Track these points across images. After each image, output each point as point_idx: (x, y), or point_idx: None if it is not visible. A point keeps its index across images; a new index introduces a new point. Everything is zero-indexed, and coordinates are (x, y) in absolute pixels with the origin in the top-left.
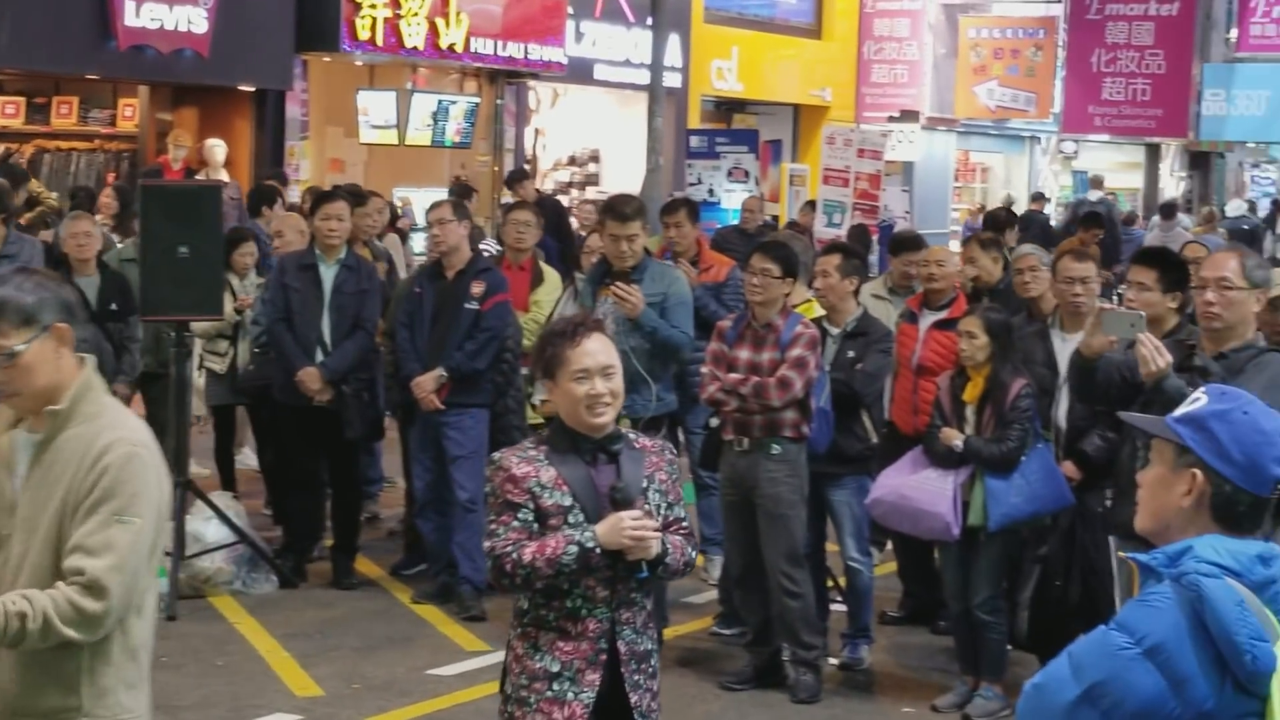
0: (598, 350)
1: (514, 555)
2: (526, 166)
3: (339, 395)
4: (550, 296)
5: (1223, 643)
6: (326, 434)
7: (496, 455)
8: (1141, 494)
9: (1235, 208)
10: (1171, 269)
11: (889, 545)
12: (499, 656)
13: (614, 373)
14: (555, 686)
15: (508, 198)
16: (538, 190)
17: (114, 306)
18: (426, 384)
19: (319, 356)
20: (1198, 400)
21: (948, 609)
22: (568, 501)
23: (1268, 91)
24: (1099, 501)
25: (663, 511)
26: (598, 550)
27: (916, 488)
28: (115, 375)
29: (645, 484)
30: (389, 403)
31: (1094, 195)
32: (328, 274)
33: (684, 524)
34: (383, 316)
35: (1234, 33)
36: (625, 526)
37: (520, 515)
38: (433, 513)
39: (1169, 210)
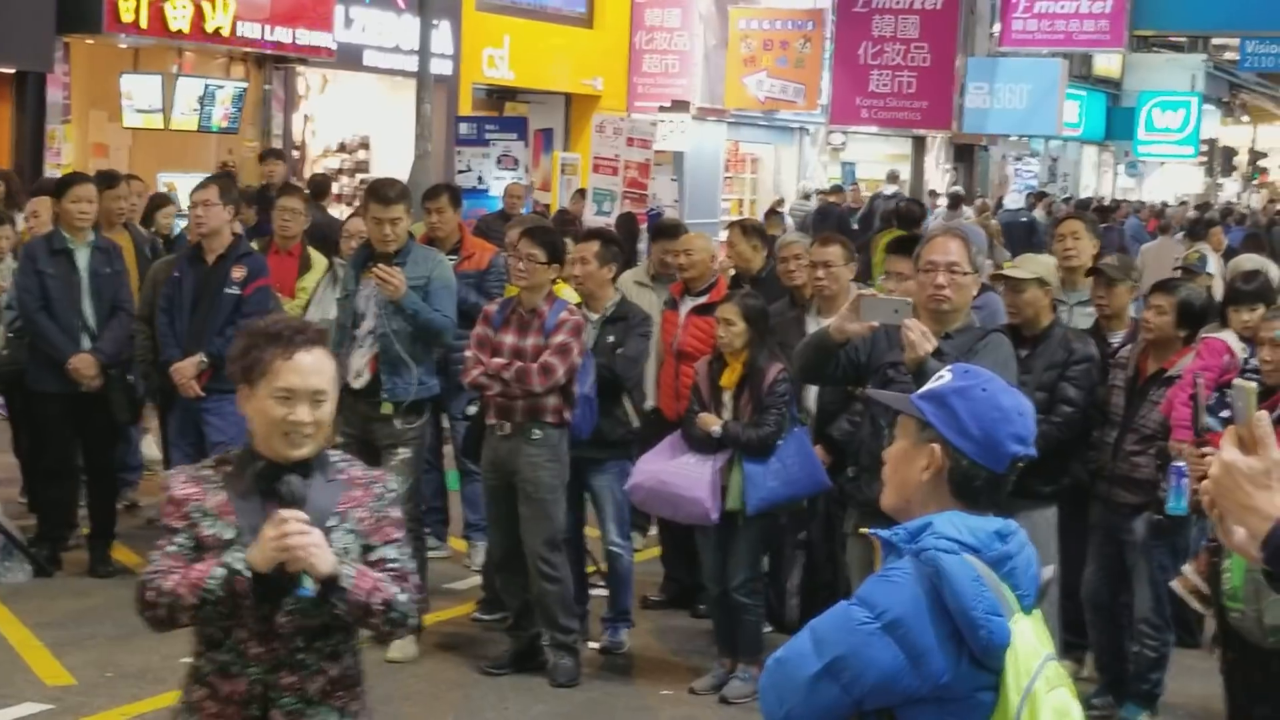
0: (311, 369)
1: (155, 581)
2: (295, 153)
3: (107, 380)
4: (315, 282)
5: (959, 617)
6: (84, 420)
7: (167, 474)
8: (886, 470)
9: (1013, 200)
10: None
11: (653, 530)
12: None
13: (324, 400)
14: None
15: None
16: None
17: None
18: (187, 370)
19: (85, 342)
20: (942, 378)
21: (707, 592)
22: (229, 534)
23: (1028, 85)
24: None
25: (353, 554)
26: (247, 573)
27: (676, 473)
28: None
29: (334, 520)
30: (148, 389)
31: (889, 190)
32: (82, 257)
33: (393, 566)
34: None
35: (997, 27)
36: (272, 534)
37: (178, 540)
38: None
39: (955, 201)
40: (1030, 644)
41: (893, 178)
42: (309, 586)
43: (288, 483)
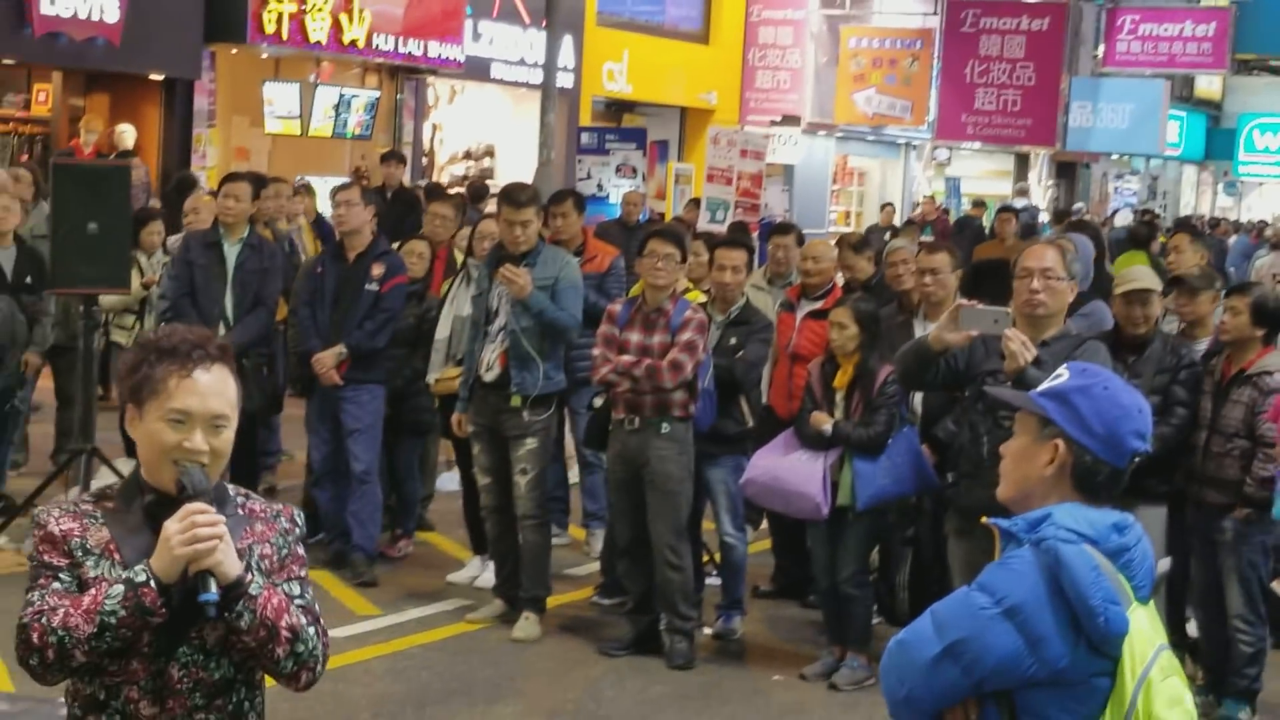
0: (211, 390)
1: (42, 620)
2: (424, 159)
3: (240, 369)
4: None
5: (1077, 605)
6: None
7: (39, 512)
8: (1005, 464)
9: (1123, 218)
10: None
11: (764, 523)
12: (389, 620)
13: (224, 425)
14: None
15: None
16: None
17: (29, 280)
18: (326, 360)
19: (221, 331)
20: (1060, 376)
21: (817, 584)
22: (117, 573)
23: (1131, 105)
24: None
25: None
26: (150, 582)
27: (789, 469)
28: (27, 346)
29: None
30: (289, 377)
31: (1020, 203)
32: (231, 252)
33: (300, 602)
34: (285, 295)
35: (1101, 49)
36: (178, 528)
37: (61, 578)
38: (329, 483)
39: (1060, 218)
40: (1146, 633)
41: (1021, 192)
42: (214, 591)
43: (189, 472)
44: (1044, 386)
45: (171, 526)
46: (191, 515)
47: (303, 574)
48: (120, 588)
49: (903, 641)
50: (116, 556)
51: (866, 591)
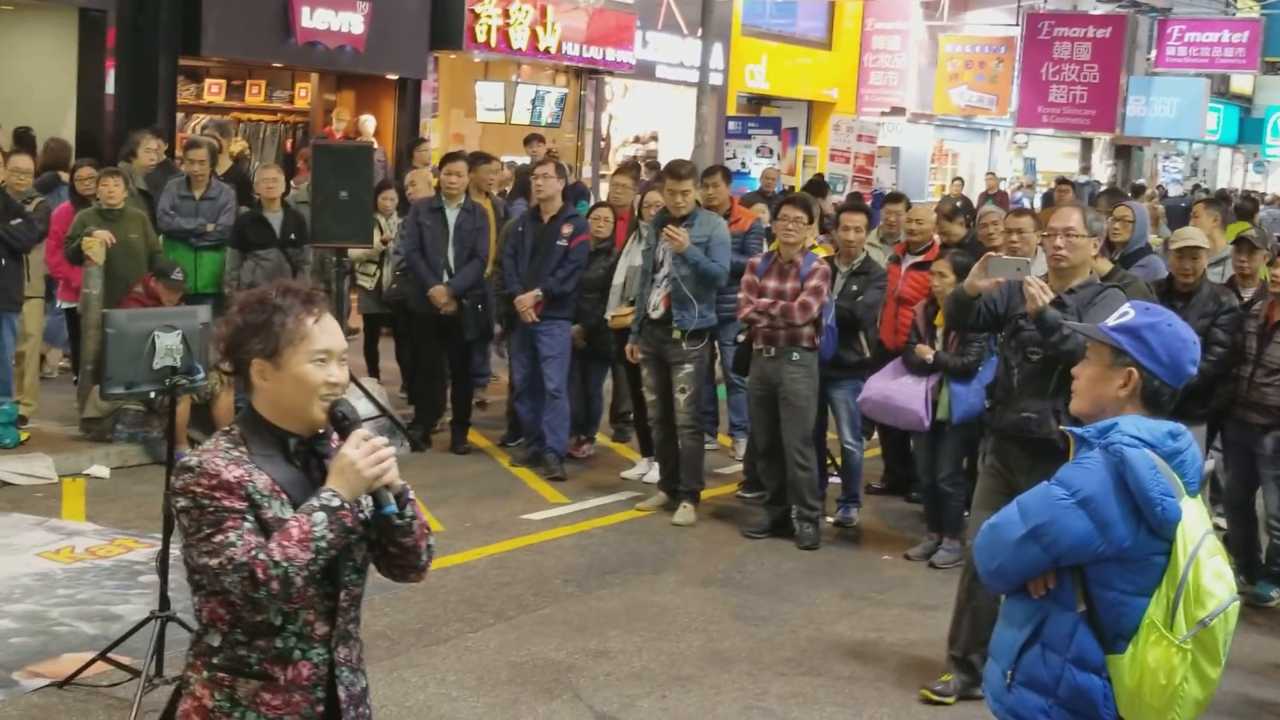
0: (335, 328)
1: (261, 556)
2: (602, 143)
3: (460, 307)
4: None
5: (1139, 497)
6: (449, 336)
7: (194, 461)
8: (1080, 385)
9: (1174, 190)
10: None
11: (875, 434)
12: (575, 507)
13: (345, 361)
14: None
15: (524, 156)
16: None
17: (293, 236)
18: (526, 301)
19: (445, 278)
20: (1127, 314)
21: (919, 482)
22: (287, 513)
23: (1177, 99)
24: None
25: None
26: (345, 505)
27: (897, 390)
28: None
29: None
30: (497, 314)
31: (1082, 179)
32: (451, 215)
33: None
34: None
35: (1153, 53)
36: (361, 454)
37: (247, 519)
38: (528, 398)
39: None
40: (1195, 521)
41: (1085, 170)
42: (393, 503)
43: (343, 402)
44: (1114, 322)
45: (353, 454)
46: (372, 444)
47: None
48: (322, 514)
49: (994, 525)
50: (284, 497)
51: (959, 489)
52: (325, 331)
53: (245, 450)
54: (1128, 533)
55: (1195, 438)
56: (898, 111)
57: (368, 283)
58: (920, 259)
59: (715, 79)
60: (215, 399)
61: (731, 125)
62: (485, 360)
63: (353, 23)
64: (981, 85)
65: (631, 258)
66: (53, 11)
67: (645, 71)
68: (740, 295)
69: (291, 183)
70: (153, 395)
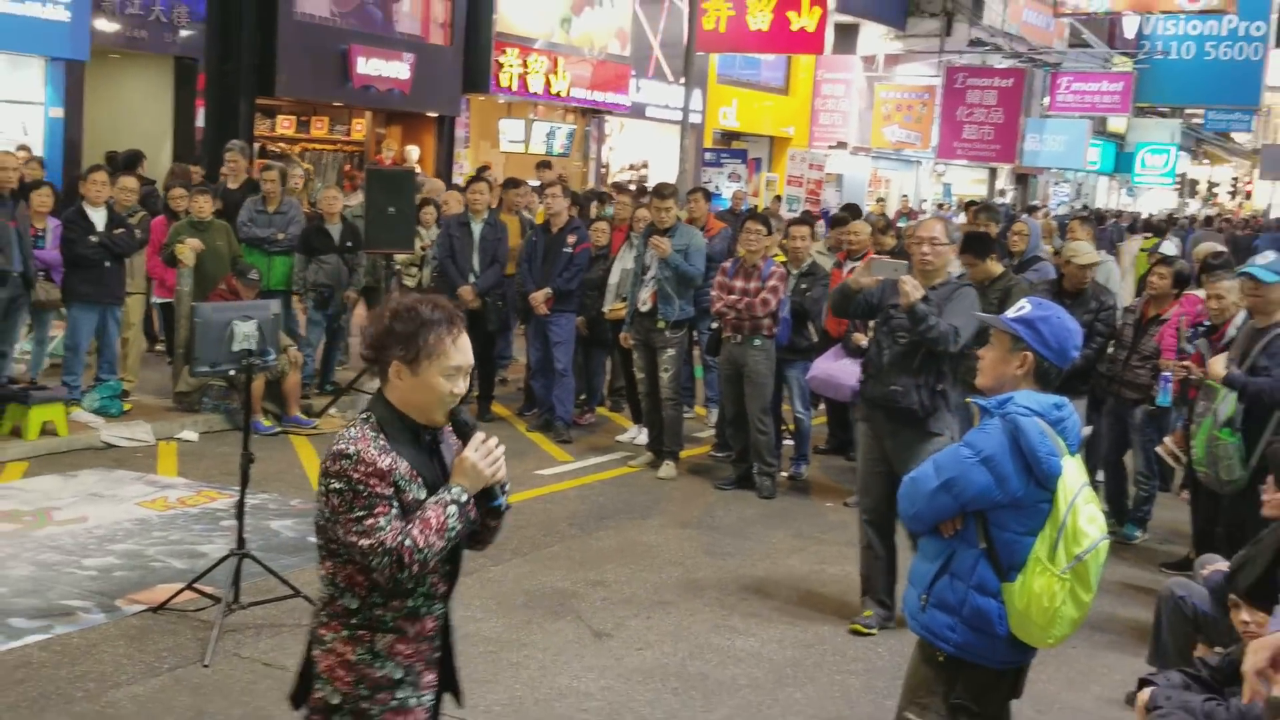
0: (468, 346)
1: (407, 543)
2: (602, 169)
3: (484, 303)
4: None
5: (1030, 456)
6: (474, 326)
7: (351, 449)
8: (984, 365)
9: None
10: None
11: (821, 405)
12: (579, 464)
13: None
14: (399, 695)
15: (533, 179)
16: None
17: (349, 244)
18: (539, 298)
19: (470, 279)
20: (1024, 308)
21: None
22: (422, 495)
23: (1065, 136)
24: None
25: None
26: (471, 501)
27: (839, 370)
28: (348, 286)
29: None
30: (516, 308)
31: (1000, 201)
32: (476, 228)
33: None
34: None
35: (1047, 99)
36: (484, 457)
37: (393, 505)
38: (540, 376)
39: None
40: (1074, 475)
41: (1001, 193)
42: (501, 498)
43: (461, 413)
44: (1013, 315)
45: (474, 457)
46: (488, 447)
47: None
48: (454, 508)
49: (914, 478)
50: (419, 480)
51: None
52: (460, 350)
53: (385, 438)
54: (1020, 485)
55: (1077, 409)
56: (841, 145)
57: (410, 282)
58: (858, 264)
59: (695, 118)
60: (285, 376)
61: (707, 156)
62: (508, 345)
63: (400, 70)
64: (909, 125)
65: (624, 262)
66: (153, 59)
67: (638, 112)
68: (714, 293)
69: (348, 200)
70: (232, 373)
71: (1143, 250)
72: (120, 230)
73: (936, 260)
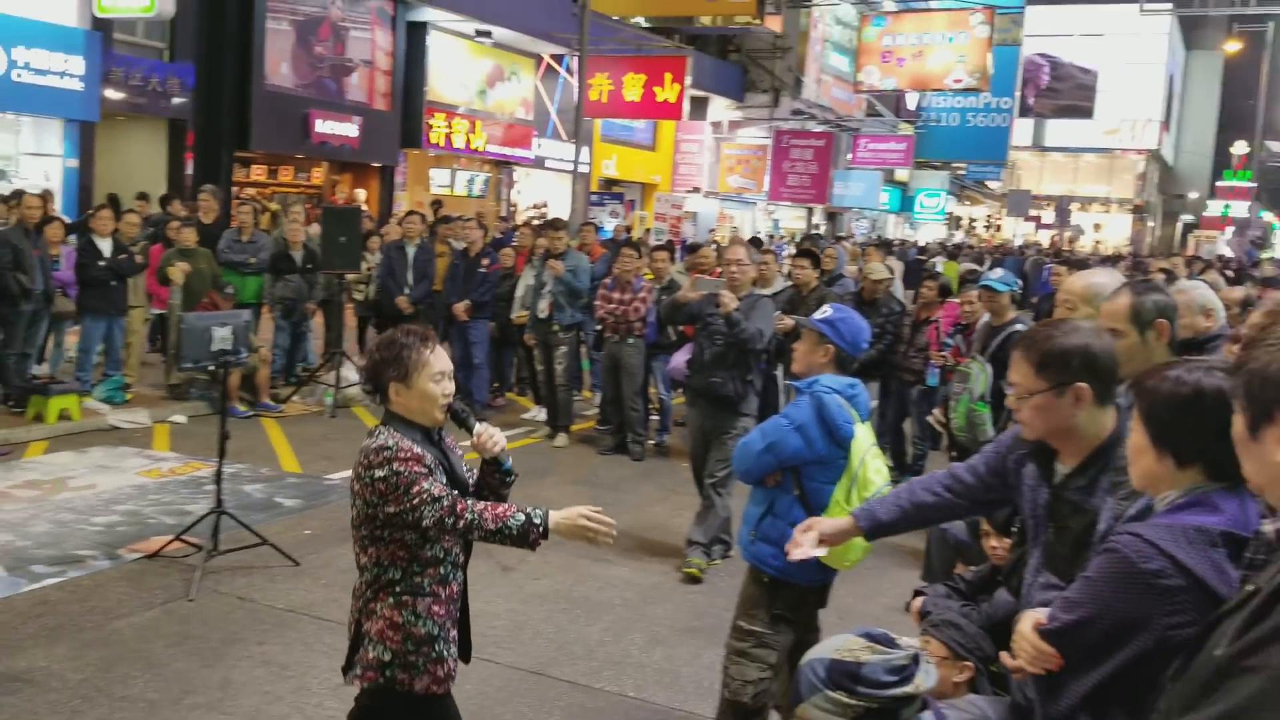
0: (444, 355)
1: (464, 501)
2: (511, 208)
3: (416, 310)
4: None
5: (831, 423)
6: None
7: (390, 442)
8: (798, 355)
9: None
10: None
11: (679, 389)
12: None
13: (452, 378)
14: (437, 648)
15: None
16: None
17: (309, 265)
18: (460, 308)
19: (405, 292)
20: (827, 312)
21: None
22: (444, 480)
23: (863, 184)
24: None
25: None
26: (541, 527)
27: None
28: (308, 299)
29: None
30: (440, 315)
31: (815, 232)
32: (410, 251)
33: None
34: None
35: (850, 155)
36: (491, 437)
37: (440, 477)
38: (461, 369)
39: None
40: (864, 437)
41: (815, 228)
42: (508, 463)
43: (456, 405)
44: (819, 317)
45: (485, 439)
46: (488, 430)
47: None
48: (523, 516)
49: (745, 442)
50: (441, 468)
51: None
52: (438, 358)
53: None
54: (824, 446)
55: (870, 391)
56: (696, 190)
57: (359, 295)
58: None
59: (583, 168)
60: (256, 371)
61: (593, 198)
62: None
63: (350, 129)
64: (747, 175)
65: (526, 279)
66: (151, 120)
67: (539, 163)
68: (598, 303)
69: (308, 230)
70: (212, 369)
71: (929, 271)
72: (123, 256)
73: (741, 276)
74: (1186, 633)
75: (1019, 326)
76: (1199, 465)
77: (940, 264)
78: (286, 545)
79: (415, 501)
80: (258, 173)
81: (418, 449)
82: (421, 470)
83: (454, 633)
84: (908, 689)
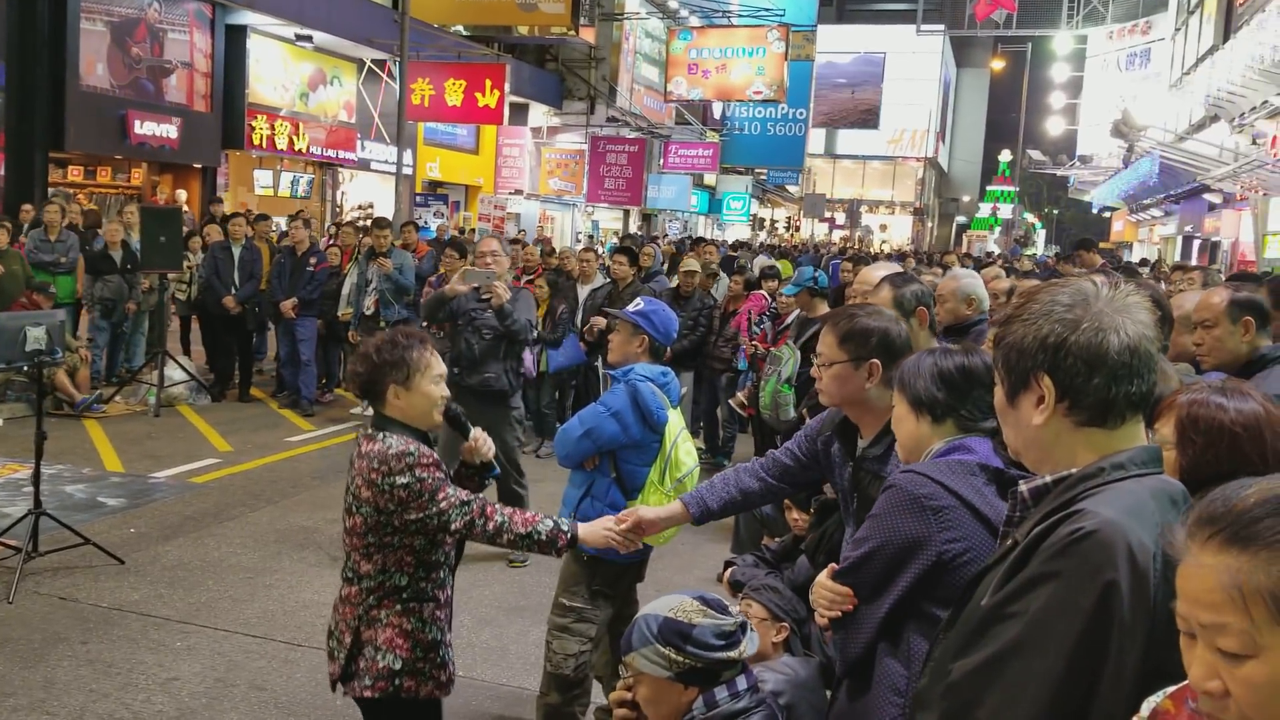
0: (439, 358)
1: (490, 509)
2: (337, 208)
3: (244, 310)
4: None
5: (645, 409)
6: (236, 328)
7: (410, 448)
8: (614, 345)
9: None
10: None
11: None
12: (320, 432)
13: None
14: (440, 653)
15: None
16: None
17: (129, 266)
18: (287, 305)
19: (233, 291)
20: (639, 304)
21: (529, 406)
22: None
23: (675, 187)
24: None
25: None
26: (569, 536)
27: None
28: (128, 299)
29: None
30: (267, 314)
31: (636, 232)
32: (236, 251)
33: None
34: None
35: (662, 160)
36: (482, 440)
37: (451, 485)
38: (289, 366)
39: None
40: (675, 422)
41: (641, 229)
42: (497, 469)
43: (452, 405)
44: (632, 309)
45: (605, 532)
46: (484, 435)
47: None
48: (551, 523)
49: (565, 428)
50: (443, 471)
51: (553, 411)
52: (438, 360)
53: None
54: (639, 430)
55: (686, 379)
56: (518, 192)
57: (181, 295)
58: (532, 277)
59: (407, 170)
60: (77, 370)
61: (418, 199)
62: (263, 342)
63: (169, 130)
64: (566, 177)
65: (352, 276)
66: None
67: (364, 165)
68: (424, 300)
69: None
70: (25, 369)
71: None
72: None
73: (498, 267)
74: (958, 548)
75: None
76: (950, 419)
77: (753, 262)
78: (110, 544)
79: (444, 506)
80: (74, 173)
81: (434, 454)
82: (441, 475)
83: (449, 636)
84: (732, 654)
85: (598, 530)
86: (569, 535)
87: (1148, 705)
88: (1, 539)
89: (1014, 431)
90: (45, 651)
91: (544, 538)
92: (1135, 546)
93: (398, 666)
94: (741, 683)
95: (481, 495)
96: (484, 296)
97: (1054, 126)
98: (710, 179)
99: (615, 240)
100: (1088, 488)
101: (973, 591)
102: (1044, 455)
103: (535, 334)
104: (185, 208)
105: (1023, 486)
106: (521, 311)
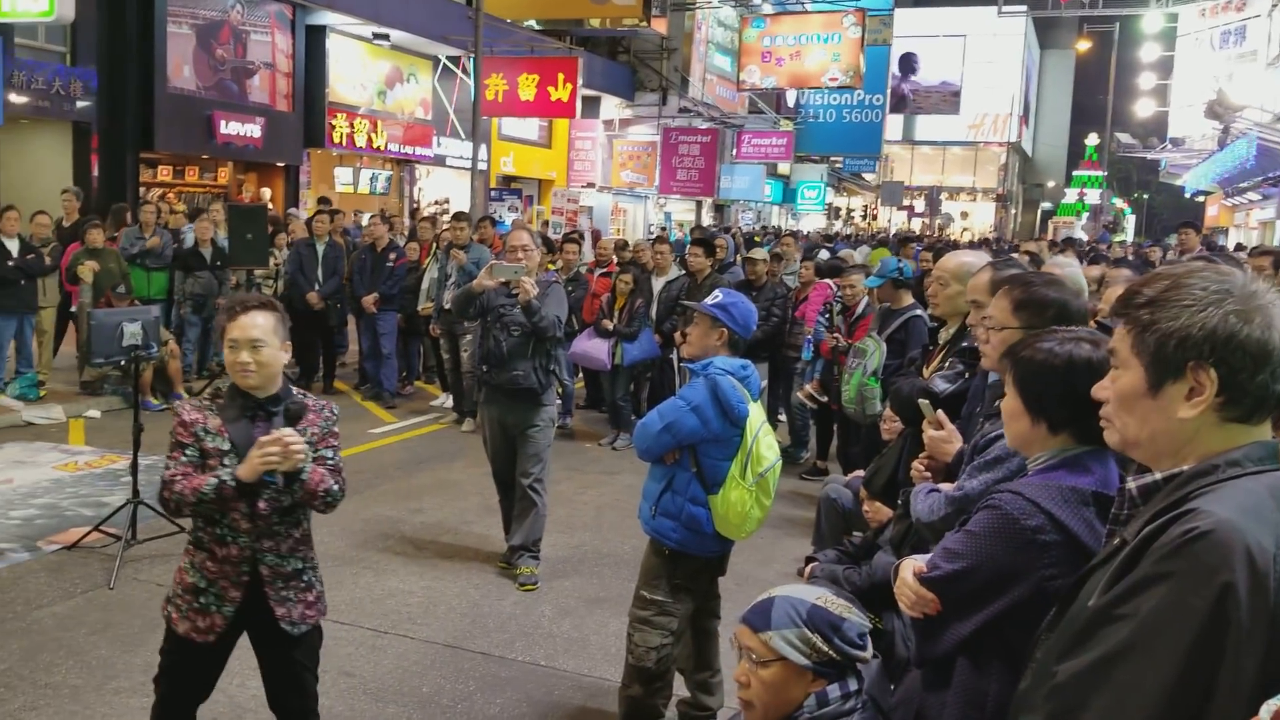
0: (250, 325)
1: (172, 486)
2: (414, 204)
3: (327, 306)
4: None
5: (725, 403)
6: (320, 323)
7: (177, 404)
8: (692, 338)
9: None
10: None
11: (580, 373)
12: (401, 424)
13: (262, 346)
14: (200, 600)
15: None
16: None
17: (218, 263)
18: (368, 300)
19: (316, 287)
20: (718, 297)
21: (606, 400)
22: (225, 446)
23: (748, 177)
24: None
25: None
26: (231, 483)
27: (591, 346)
28: (218, 294)
29: (303, 432)
30: (349, 309)
31: (705, 225)
32: (320, 248)
33: (331, 464)
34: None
35: (734, 150)
36: (258, 452)
37: (187, 453)
38: (371, 359)
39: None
40: (756, 416)
41: (705, 222)
42: (276, 477)
43: (293, 402)
44: (711, 302)
45: (253, 452)
46: (269, 444)
47: (335, 443)
48: (214, 481)
49: (644, 422)
50: (225, 435)
51: (628, 404)
52: (238, 326)
53: (219, 399)
54: (719, 424)
55: (761, 369)
56: (591, 185)
57: (268, 290)
58: (605, 270)
59: (482, 165)
60: (167, 365)
61: (492, 193)
62: (344, 337)
63: (254, 130)
64: (638, 170)
65: (431, 271)
66: (54, 123)
67: (439, 161)
68: None
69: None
70: (122, 364)
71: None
72: (31, 255)
73: (529, 261)
74: (1059, 583)
75: (916, 312)
76: (1068, 430)
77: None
78: None
79: (165, 476)
80: (164, 173)
81: (189, 414)
82: (179, 439)
83: (234, 594)
84: (866, 654)
85: (250, 463)
86: (231, 482)
87: (1267, 708)
88: (102, 527)
89: (1142, 421)
90: (145, 636)
91: (212, 497)
92: (1254, 548)
93: (168, 594)
94: (853, 684)
95: (178, 469)
96: (513, 292)
97: (1143, 108)
98: (784, 168)
99: (675, 231)
100: (1201, 485)
101: (1077, 591)
102: (1175, 449)
103: (561, 328)
104: (270, 205)
105: (1131, 484)
106: (550, 308)
